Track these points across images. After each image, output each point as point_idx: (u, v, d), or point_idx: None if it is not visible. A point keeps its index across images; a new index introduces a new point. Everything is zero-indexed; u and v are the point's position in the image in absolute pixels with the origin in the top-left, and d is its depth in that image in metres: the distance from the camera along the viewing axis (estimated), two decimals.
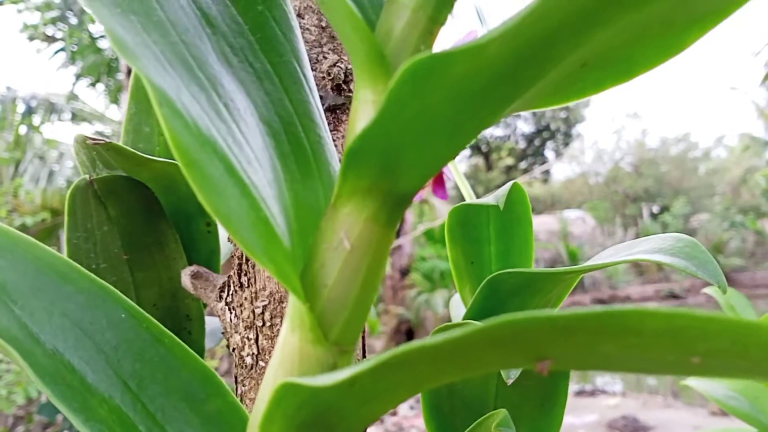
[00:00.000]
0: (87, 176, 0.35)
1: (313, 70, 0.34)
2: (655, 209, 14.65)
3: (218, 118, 0.19)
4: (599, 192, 15.20)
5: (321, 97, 0.34)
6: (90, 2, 0.19)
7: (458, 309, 0.45)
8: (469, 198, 0.46)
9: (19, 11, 5.94)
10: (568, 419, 4.37)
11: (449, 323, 0.32)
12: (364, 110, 0.19)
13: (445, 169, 0.43)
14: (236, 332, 0.34)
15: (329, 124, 0.35)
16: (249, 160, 0.19)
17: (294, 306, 0.18)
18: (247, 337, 0.34)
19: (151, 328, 0.23)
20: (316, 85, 0.34)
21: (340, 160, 0.34)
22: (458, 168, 0.46)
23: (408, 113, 0.16)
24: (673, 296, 10.41)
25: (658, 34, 0.19)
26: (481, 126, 0.18)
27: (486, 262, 0.41)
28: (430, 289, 6.17)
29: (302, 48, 0.24)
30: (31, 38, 6.05)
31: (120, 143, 0.46)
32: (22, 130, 6.21)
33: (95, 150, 0.34)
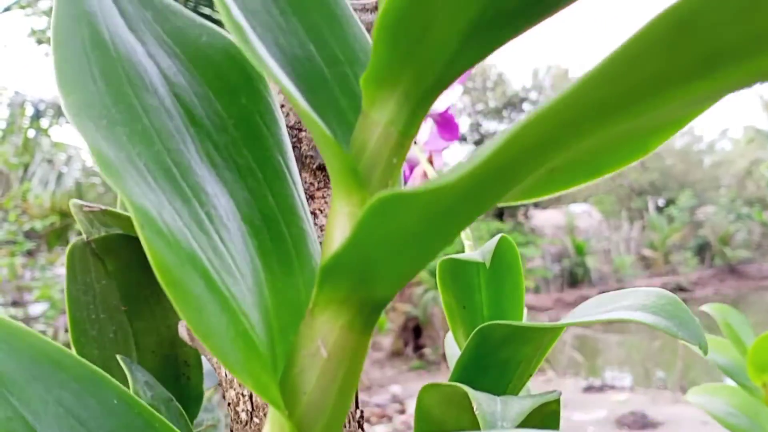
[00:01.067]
0: (84, 237, 0.36)
1: (303, 130, 0.35)
2: (661, 202, 14.60)
3: (200, 230, 0.19)
4: (605, 186, 15.13)
5: (311, 156, 0.35)
6: (75, 118, 0.19)
7: (452, 349, 0.46)
8: (467, 240, 0.46)
9: (27, 16, 5.96)
10: (576, 415, 4.37)
11: (437, 383, 0.33)
12: (339, 221, 0.19)
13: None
14: (231, 387, 0.35)
15: (320, 182, 0.36)
16: (229, 270, 0.20)
17: (273, 412, 0.19)
18: (242, 393, 0.34)
19: (142, 413, 0.24)
20: (307, 145, 0.35)
21: (326, 216, 0.35)
22: None
23: (379, 235, 0.17)
24: (681, 289, 10.32)
25: (623, 142, 0.20)
26: (453, 235, 0.19)
27: (477, 307, 0.42)
28: (436, 286, 6.16)
29: (286, 140, 0.24)
30: (39, 42, 6.08)
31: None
32: (31, 133, 6.25)
33: (92, 213, 0.35)
